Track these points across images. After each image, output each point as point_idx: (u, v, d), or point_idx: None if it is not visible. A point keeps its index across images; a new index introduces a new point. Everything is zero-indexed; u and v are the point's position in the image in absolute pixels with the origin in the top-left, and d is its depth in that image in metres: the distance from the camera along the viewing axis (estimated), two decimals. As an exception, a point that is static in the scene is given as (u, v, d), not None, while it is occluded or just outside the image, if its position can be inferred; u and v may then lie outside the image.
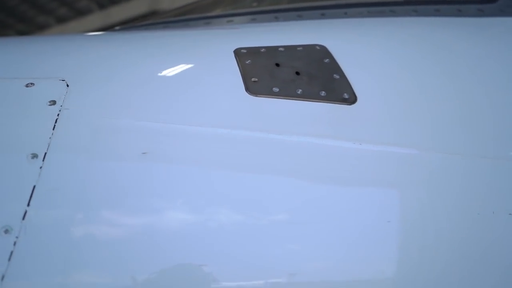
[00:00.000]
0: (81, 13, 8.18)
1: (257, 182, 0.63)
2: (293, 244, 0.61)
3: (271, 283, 0.58)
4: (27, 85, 0.66)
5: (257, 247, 0.59)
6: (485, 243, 0.66)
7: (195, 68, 0.76)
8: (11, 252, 0.53)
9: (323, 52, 0.81)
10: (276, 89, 0.72)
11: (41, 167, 0.58)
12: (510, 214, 0.67)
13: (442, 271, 0.63)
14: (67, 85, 0.67)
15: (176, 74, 0.74)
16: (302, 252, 0.61)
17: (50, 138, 0.60)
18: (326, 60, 0.79)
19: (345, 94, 0.73)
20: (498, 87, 0.80)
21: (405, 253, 0.62)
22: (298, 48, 0.82)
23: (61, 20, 8.15)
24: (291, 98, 0.71)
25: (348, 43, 0.87)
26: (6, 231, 0.54)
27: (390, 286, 0.61)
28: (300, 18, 1.09)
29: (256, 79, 0.73)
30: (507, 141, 0.72)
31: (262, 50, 0.81)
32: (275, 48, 0.81)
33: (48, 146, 0.59)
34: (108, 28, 1.83)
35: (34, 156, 0.58)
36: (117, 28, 1.52)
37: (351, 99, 0.72)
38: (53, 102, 0.64)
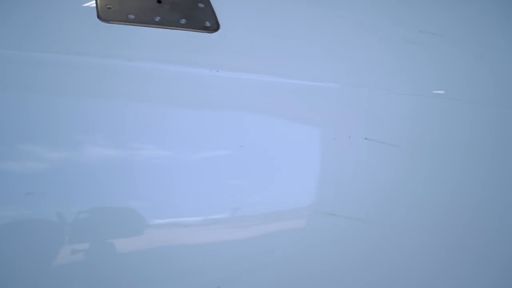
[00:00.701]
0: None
1: (104, 109, 0.60)
2: (142, 173, 0.59)
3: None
4: None
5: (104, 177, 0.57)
6: (341, 166, 0.67)
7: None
8: None
9: (193, -18, 0.77)
10: (131, 16, 0.67)
11: None
12: (365, 138, 0.68)
13: (295, 195, 0.64)
14: None
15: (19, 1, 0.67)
16: (158, 180, 0.59)
17: None
18: (194, -10, 0.75)
19: (207, 22, 0.70)
20: (369, 20, 0.81)
21: (257, 179, 0.62)
22: (167, -21, 0.77)
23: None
24: (147, 25, 0.67)
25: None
26: None
27: (238, 213, 0.61)
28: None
29: (111, 6, 0.68)
30: (368, 70, 0.73)
31: (126, -21, 0.75)
32: (141, -23, 0.76)
33: None
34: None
35: None
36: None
37: (213, 27, 0.70)
38: None
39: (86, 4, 0.68)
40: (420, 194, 0.70)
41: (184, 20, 0.69)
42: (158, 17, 0.68)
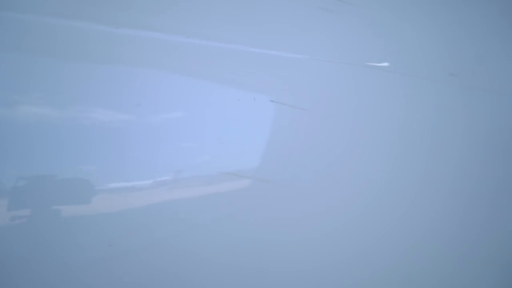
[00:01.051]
0: None
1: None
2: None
3: None
4: None
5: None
6: (245, 127, 0.67)
7: None
8: None
9: None
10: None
11: None
12: (271, 101, 0.69)
13: (197, 156, 0.64)
14: None
15: None
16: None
17: None
18: None
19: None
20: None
21: (155, 139, 0.62)
22: None
23: None
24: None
25: None
26: None
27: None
28: None
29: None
30: (277, 33, 0.73)
31: None
32: None
33: None
34: None
35: None
36: None
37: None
38: None
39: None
40: (323, 156, 0.71)
41: (83, -26, 0.66)
42: (55, -30, 0.65)
